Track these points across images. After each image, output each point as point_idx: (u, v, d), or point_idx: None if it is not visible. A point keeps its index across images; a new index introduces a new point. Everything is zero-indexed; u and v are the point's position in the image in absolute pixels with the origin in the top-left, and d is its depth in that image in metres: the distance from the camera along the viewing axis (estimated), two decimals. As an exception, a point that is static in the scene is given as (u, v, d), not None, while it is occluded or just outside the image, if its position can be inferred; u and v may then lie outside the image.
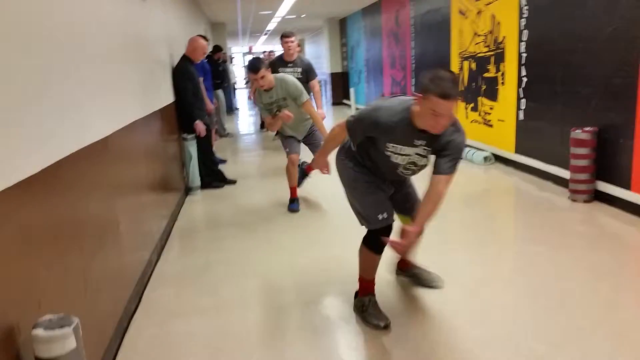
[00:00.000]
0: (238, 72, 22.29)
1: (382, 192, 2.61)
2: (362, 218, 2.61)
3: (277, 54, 7.31)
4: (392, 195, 2.70)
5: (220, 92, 9.55)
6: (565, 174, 4.81)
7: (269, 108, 4.56)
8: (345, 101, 15.41)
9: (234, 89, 16.52)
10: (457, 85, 2.17)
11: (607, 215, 4.19)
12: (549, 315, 2.65)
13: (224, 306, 2.96)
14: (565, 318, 2.61)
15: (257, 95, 4.59)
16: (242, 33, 19.26)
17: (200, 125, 5.47)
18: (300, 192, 4.90)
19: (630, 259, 3.41)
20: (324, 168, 2.97)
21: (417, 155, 2.43)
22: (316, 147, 4.64)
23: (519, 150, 5.85)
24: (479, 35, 6.57)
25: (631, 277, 3.14)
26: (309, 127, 4.74)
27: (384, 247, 2.62)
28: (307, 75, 6.00)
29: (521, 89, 5.68)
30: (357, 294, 2.80)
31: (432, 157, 2.43)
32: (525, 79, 5.60)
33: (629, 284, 3.01)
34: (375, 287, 2.75)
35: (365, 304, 2.69)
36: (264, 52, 12.71)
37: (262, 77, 4.36)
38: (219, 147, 8.15)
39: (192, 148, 5.52)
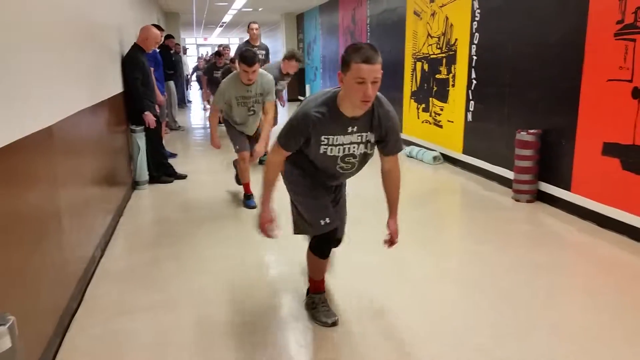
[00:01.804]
0: (192, 63, 21.86)
1: (326, 197, 2.55)
2: (305, 222, 2.54)
3: (232, 47, 8.41)
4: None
5: (172, 84, 9.33)
6: (509, 174, 4.98)
7: (242, 102, 4.37)
8: (300, 97, 15.38)
9: (187, 81, 16.18)
10: (377, 51, 2.14)
11: (548, 215, 4.37)
12: (493, 310, 2.74)
13: (170, 304, 2.90)
14: (508, 313, 2.70)
15: (228, 86, 4.34)
16: (196, 24, 18.90)
17: (149, 117, 5.32)
18: (254, 188, 4.86)
19: (569, 257, 3.57)
20: (272, 222, 2.47)
21: (353, 145, 2.37)
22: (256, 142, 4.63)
23: (466, 150, 6.02)
24: (432, 37, 6.70)
25: (569, 274, 3.28)
26: (256, 127, 4.69)
27: (329, 252, 2.62)
28: (268, 54, 7.11)
29: (470, 91, 5.84)
30: (308, 291, 2.80)
31: (371, 148, 2.43)
32: (474, 82, 5.76)
33: (567, 280, 3.16)
34: (325, 285, 2.77)
35: (315, 302, 2.69)
36: (220, 45, 12.60)
37: (254, 72, 4.22)
38: (169, 141, 7.98)
39: (141, 140, 5.37)
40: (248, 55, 4.18)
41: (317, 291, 2.72)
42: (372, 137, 2.38)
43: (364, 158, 2.46)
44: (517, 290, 2.98)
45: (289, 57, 5.81)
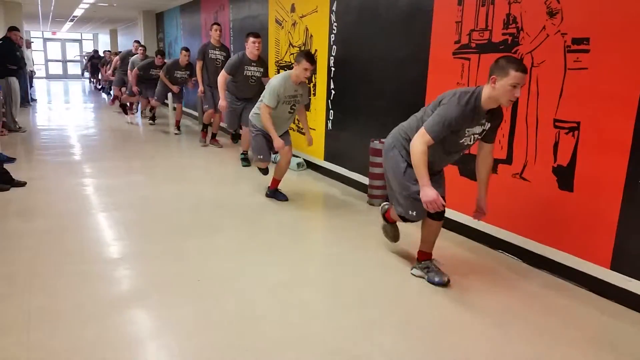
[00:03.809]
0: (38, 59, 19.86)
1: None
2: (401, 206, 3.23)
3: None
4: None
5: (14, 80, 8.38)
6: (365, 180, 5.26)
7: (288, 101, 4.66)
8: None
9: (32, 77, 14.66)
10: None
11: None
12: (348, 310, 2.86)
13: (1, 329, 2.57)
14: (359, 313, 2.84)
15: (283, 86, 4.55)
16: (43, 17, 17.22)
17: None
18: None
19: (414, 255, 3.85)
20: (438, 196, 2.93)
21: (476, 134, 3.01)
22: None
23: (327, 157, 6.23)
24: (294, 46, 6.85)
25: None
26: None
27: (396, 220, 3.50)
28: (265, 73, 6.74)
29: (330, 100, 6.07)
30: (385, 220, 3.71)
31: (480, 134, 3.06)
32: (333, 92, 5.99)
33: (415, 278, 3.39)
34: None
35: (386, 230, 3.78)
36: (89, 51, 11.59)
37: (313, 71, 4.50)
38: (7, 144, 7.15)
39: (-30, 143, 4.73)
40: (312, 54, 4.55)
41: (389, 221, 3.69)
42: (487, 125, 3.01)
43: (473, 143, 3.09)
44: (368, 290, 3.14)
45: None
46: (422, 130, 2.95)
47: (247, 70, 6.45)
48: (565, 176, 3.39)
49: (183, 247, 3.76)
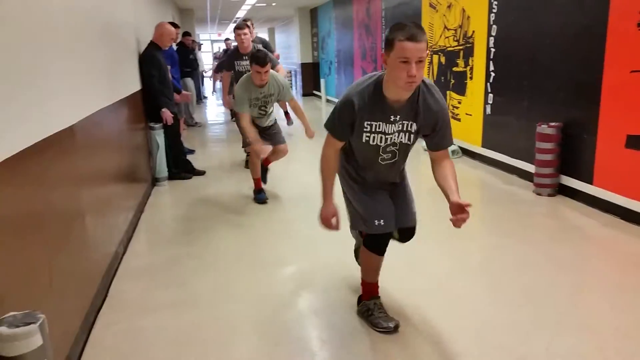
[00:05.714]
0: (207, 60, 21.95)
1: (380, 196, 2.46)
2: (361, 219, 2.45)
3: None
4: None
5: (189, 81, 9.39)
6: (530, 168, 4.92)
7: (254, 103, 4.42)
8: (315, 92, 15.37)
9: (203, 77, 16.26)
10: (422, 29, 2.07)
11: (570, 209, 4.31)
12: (515, 306, 2.71)
13: (192, 300, 2.92)
14: (530, 310, 2.67)
15: (244, 90, 4.34)
16: (210, 20, 18.95)
17: (167, 114, 5.36)
18: (268, 184, 4.88)
19: (592, 251, 3.51)
20: (334, 216, 2.43)
21: (394, 134, 2.28)
22: (274, 137, 4.74)
23: (485, 144, 5.95)
24: (448, 30, 6.63)
25: (593, 269, 3.23)
26: (273, 121, 4.78)
27: (385, 248, 2.50)
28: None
29: (489, 83, 5.77)
30: (360, 299, 2.69)
31: (412, 139, 2.32)
32: (493, 74, 5.69)
33: (591, 276, 3.11)
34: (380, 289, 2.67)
35: (370, 308, 2.59)
36: (227, 39, 12.71)
37: (266, 72, 4.23)
38: (187, 137, 8.03)
39: (160, 137, 5.41)
40: (260, 56, 4.17)
41: (371, 296, 2.62)
42: (414, 127, 2.27)
43: (406, 149, 2.37)
44: (539, 286, 2.94)
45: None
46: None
47: (239, 64, 5.84)
48: None
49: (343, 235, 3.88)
